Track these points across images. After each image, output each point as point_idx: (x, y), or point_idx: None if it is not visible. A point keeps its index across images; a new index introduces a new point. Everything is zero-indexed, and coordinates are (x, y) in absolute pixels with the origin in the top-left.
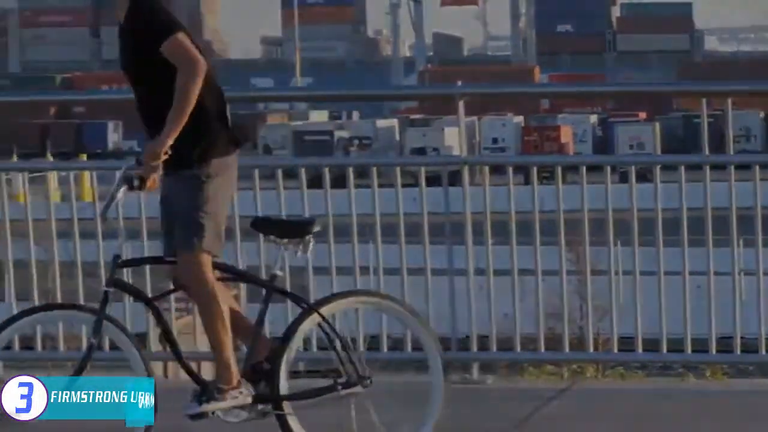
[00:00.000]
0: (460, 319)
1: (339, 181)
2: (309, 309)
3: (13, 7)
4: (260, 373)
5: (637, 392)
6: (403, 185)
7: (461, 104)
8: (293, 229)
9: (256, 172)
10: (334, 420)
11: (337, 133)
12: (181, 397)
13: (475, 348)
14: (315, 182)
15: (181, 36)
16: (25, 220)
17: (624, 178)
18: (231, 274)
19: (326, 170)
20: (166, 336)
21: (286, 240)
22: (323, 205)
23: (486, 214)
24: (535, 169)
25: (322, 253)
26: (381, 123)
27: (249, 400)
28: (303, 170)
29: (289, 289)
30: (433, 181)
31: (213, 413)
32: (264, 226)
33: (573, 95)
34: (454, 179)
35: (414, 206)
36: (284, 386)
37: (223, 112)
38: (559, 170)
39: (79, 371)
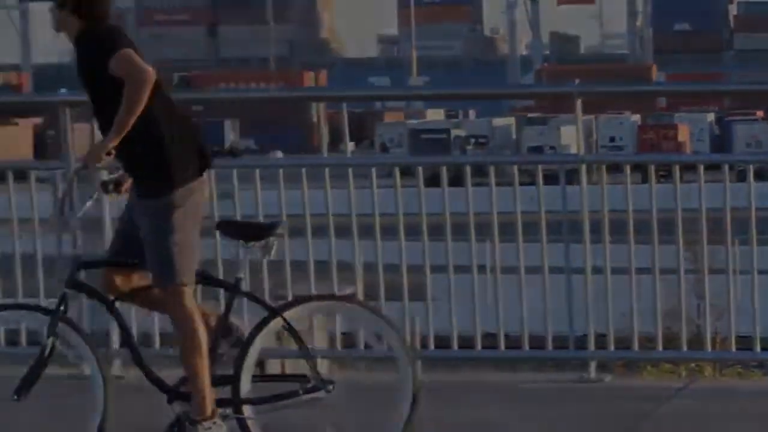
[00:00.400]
0: (578, 318)
1: (456, 180)
2: (272, 313)
3: (129, 6)
4: (222, 375)
5: (755, 391)
6: (520, 183)
7: (578, 103)
8: (256, 231)
9: (374, 170)
10: (299, 423)
11: (454, 132)
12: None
13: (592, 347)
14: (433, 181)
15: (127, 51)
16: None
17: (742, 177)
18: (196, 278)
19: (443, 169)
20: (127, 339)
21: (250, 243)
22: (439, 203)
23: (603, 212)
24: (652, 168)
25: (438, 251)
26: (497, 121)
27: (223, 430)
28: (420, 169)
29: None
30: (550, 179)
31: None
32: (228, 228)
33: (690, 94)
34: (571, 177)
35: (531, 204)
36: (246, 389)
37: (185, 134)
38: (677, 169)
39: (34, 372)
